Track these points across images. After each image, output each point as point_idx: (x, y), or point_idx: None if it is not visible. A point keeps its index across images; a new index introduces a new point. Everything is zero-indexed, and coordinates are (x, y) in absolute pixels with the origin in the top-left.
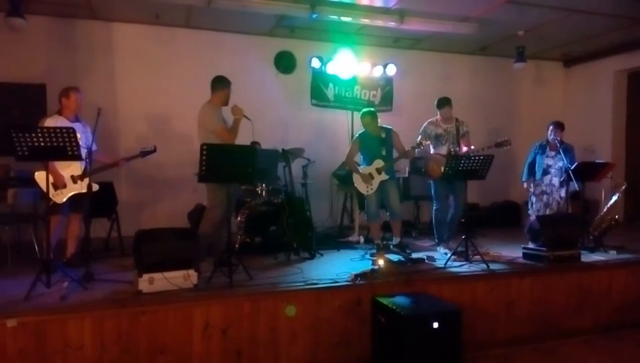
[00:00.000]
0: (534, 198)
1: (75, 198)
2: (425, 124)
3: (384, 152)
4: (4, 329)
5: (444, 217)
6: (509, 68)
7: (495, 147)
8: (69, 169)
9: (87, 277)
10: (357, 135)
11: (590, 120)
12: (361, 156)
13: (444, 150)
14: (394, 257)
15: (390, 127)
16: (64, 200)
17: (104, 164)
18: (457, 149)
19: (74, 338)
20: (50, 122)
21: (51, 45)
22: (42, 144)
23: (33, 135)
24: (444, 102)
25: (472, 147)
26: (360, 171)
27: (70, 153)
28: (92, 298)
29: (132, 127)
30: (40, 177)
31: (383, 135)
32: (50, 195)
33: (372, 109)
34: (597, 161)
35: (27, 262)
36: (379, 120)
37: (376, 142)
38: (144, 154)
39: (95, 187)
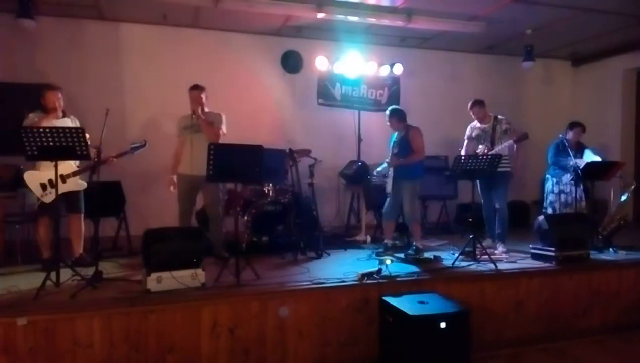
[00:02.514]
0: (552, 197)
1: (66, 199)
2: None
3: (395, 151)
4: (14, 328)
5: (486, 213)
6: (517, 67)
7: (515, 143)
8: (61, 167)
9: (96, 276)
10: None
11: (599, 119)
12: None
13: (480, 149)
14: (402, 257)
15: (413, 126)
16: (52, 199)
17: (93, 163)
18: (487, 147)
19: (83, 336)
20: (35, 117)
21: (60, 46)
22: (51, 143)
23: (42, 135)
24: (471, 104)
25: (497, 148)
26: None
27: (79, 152)
28: (101, 297)
29: (140, 127)
30: (28, 177)
31: (402, 133)
32: (39, 195)
33: (394, 107)
34: (606, 160)
35: (36, 260)
36: (395, 119)
37: (396, 139)
38: (134, 149)
39: (83, 185)
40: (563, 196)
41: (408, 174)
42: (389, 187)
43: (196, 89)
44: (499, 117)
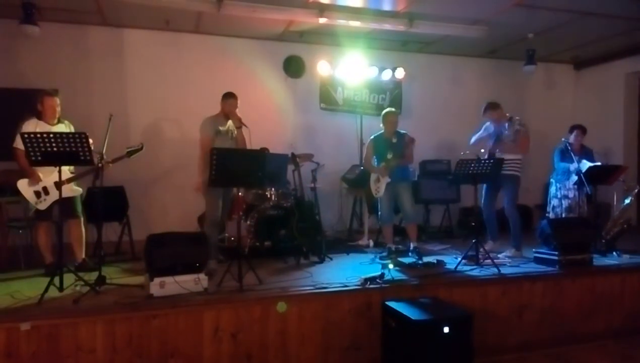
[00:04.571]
0: (555, 201)
1: (63, 205)
2: None
3: (389, 156)
4: (17, 333)
5: (486, 214)
6: (519, 71)
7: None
8: (54, 174)
9: (99, 281)
10: (371, 138)
11: (602, 123)
12: (375, 158)
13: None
14: (406, 261)
15: (404, 132)
16: (47, 206)
17: (89, 169)
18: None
19: (86, 341)
20: (30, 127)
21: (63, 52)
22: (54, 149)
23: (46, 140)
24: (484, 108)
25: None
26: (376, 168)
27: (82, 158)
28: (104, 302)
29: (142, 132)
30: (22, 185)
31: (394, 139)
32: (34, 203)
33: (395, 110)
34: (609, 164)
35: (40, 265)
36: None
37: (386, 145)
38: (130, 153)
39: (79, 191)
40: (566, 201)
41: (407, 175)
42: (381, 191)
43: (236, 97)
44: (515, 117)
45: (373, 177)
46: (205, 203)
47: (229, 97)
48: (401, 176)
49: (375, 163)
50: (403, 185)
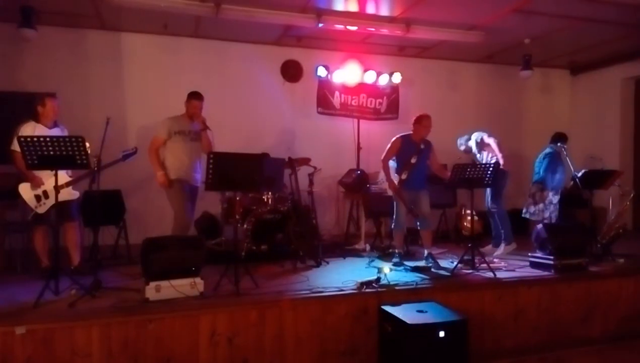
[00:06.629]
0: (552, 208)
1: (60, 208)
2: None
3: (413, 160)
4: (12, 337)
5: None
6: (515, 76)
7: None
8: (53, 178)
9: (95, 285)
10: (399, 136)
11: (598, 127)
12: (395, 159)
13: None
14: (411, 264)
15: (429, 141)
16: (46, 210)
17: (86, 172)
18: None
19: (81, 346)
20: (28, 129)
21: (61, 55)
22: (51, 152)
23: (43, 144)
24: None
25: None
26: (389, 178)
27: (79, 161)
28: (100, 306)
29: (139, 136)
30: (23, 188)
31: (422, 146)
32: (34, 207)
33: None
34: (604, 169)
35: (36, 269)
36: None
37: (413, 150)
38: (125, 156)
39: (76, 194)
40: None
41: (426, 183)
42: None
43: (200, 98)
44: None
45: (382, 174)
46: (172, 208)
47: (192, 97)
48: (424, 184)
49: (395, 165)
50: (423, 192)
